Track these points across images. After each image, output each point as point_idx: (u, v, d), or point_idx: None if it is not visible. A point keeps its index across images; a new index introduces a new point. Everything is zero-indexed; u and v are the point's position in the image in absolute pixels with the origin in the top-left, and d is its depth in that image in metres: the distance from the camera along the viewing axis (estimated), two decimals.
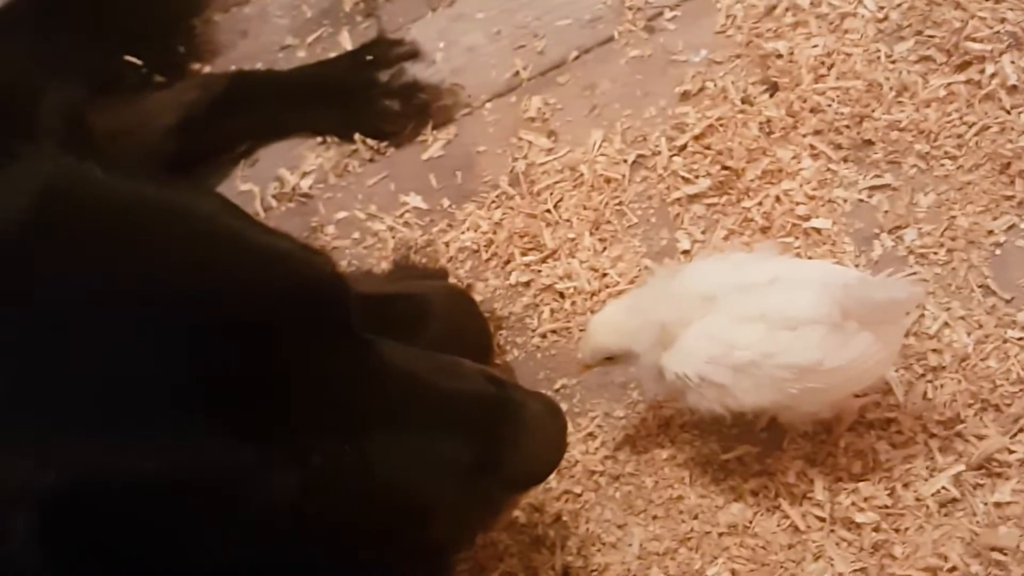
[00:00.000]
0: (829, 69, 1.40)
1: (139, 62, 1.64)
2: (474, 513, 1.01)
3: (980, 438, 1.15)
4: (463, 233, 1.46)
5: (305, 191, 1.58)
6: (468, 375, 0.95)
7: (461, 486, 0.91)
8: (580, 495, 1.26)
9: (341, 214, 1.55)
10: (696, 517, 1.21)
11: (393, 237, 1.50)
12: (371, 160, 1.59)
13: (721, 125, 1.41)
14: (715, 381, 1.04)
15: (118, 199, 0.71)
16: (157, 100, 1.60)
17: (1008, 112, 1.30)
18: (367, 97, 1.61)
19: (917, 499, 1.14)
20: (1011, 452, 1.14)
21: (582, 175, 1.44)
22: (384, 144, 1.58)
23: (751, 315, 1.02)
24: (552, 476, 1.26)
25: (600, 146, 1.46)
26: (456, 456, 0.89)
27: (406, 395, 0.85)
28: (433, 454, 0.87)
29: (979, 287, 1.23)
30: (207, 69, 1.75)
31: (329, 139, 1.62)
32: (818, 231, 1.30)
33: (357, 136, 1.59)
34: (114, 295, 0.65)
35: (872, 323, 1.03)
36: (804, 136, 1.36)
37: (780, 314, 1.01)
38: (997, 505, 1.12)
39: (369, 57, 1.63)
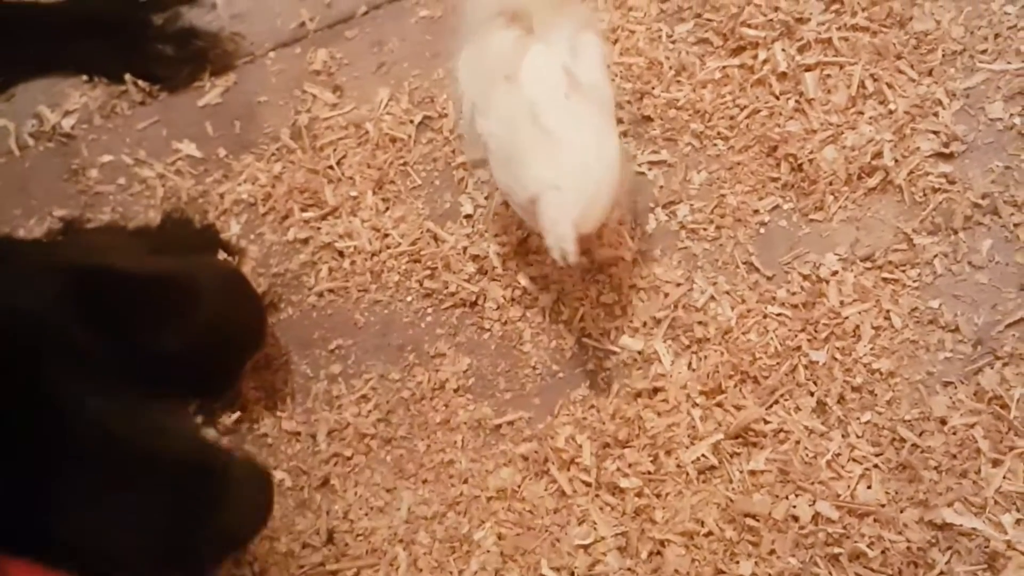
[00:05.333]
0: (614, 44, 1.42)
1: None
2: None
3: (739, 408, 1.20)
4: (240, 185, 1.40)
5: (67, 131, 1.47)
6: (176, 437, 0.98)
7: (157, 547, 0.93)
8: (350, 458, 1.24)
9: (106, 158, 1.45)
10: (466, 481, 1.21)
11: (163, 185, 1.41)
12: (142, 103, 1.49)
13: None
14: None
15: None
16: None
17: (777, 97, 1.35)
18: (138, 39, 1.50)
19: (678, 466, 1.18)
20: (766, 423, 1.19)
21: (367, 133, 1.41)
22: (157, 87, 1.49)
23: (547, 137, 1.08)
24: (322, 439, 1.24)
25: (387, 105, 1.43)
26: (150, 517, 0.91)
27: (99, 454, 0.86)
28: (124, 515, 0.89)
29: (744, 263, 1.28)
30: None
31: (96, 78, 1.51)
32: None
33: (127, 76, 1.49)
34: None
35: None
36: None
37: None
38: (752, 473, 1.17)
39: None
